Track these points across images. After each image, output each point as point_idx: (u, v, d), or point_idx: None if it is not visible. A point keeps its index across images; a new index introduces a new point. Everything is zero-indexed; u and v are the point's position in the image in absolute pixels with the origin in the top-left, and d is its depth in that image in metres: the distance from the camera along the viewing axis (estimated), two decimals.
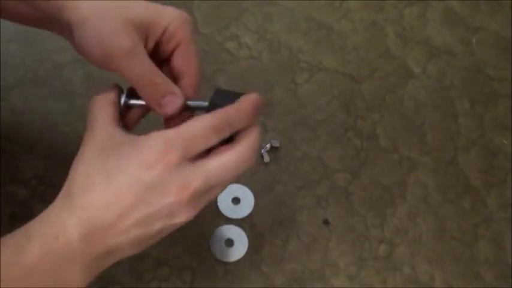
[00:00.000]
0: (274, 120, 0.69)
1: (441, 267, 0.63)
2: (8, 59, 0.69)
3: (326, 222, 0.64)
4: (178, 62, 0.49)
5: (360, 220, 0.65)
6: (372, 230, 0.64)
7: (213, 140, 0.43)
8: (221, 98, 0.46)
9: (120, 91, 0.49)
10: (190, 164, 0.42)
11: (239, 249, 0.62)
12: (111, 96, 0.48)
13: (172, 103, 0.47)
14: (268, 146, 0.67)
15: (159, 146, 0.42)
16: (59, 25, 0.48)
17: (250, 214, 0.64)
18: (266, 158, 0.66)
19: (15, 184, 0.62)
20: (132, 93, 0.49)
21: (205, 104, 0.47)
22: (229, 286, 0.60)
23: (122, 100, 0.48)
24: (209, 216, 0.63)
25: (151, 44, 0.48)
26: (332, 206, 0.65)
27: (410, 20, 0.78)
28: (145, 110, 0.50)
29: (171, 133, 0.42)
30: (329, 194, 0.66)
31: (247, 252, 0.62)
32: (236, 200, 0.64)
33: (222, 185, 0.44)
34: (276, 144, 0.67)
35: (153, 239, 0.45)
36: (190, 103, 0.48)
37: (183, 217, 0.43)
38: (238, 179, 0.65)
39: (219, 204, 0.63)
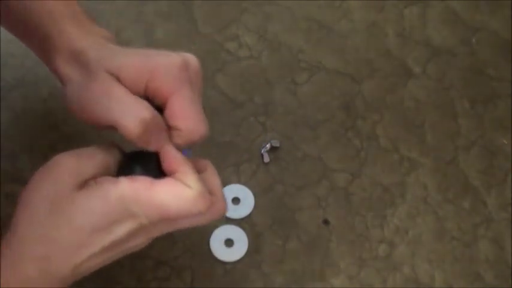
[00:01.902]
0: (274, 120, 0.69)
1: (441, 267, 0.63)
2: (8, 59, 0.69)
3: (326, 222, 0.64)
4: (171, 111, 0.45)
5: (360, 220, 0.65)
6: (372, 230, 0.64)
7: None
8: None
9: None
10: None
11: (239, 249, 0.62)
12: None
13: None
14: (268, 146, 0.67)
15: (114, 203, 0.42)
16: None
17: (250, 214, 0.64)
18: (266, 158, 0.66)
19: (15, 184, 0.62)
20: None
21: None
22: (229, 286, 0.60)
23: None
24: None
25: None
26: (332, 206, 0.65)
27: (410, 20, 0.78)
28: None
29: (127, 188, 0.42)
30: (329, 194, 0.66)
31: (247, 252, 0.62)
32: (236, 200, 0.64)
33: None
34: (276, 144, 0.67)
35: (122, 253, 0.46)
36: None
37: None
38: (238, 179, 0.65)
39: None
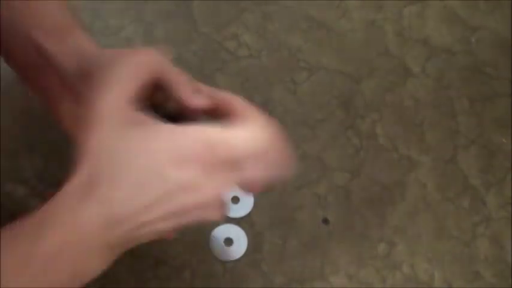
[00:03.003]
0: (273, 120, 0.69)
1: (440, 266, 0.63)
2: None
3: (325, 221, 0.64)
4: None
5: (360, 219, 0.65)
6: (371, 229, 0.64)
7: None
8: None
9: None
10: (227, 167, 0.40)
11: (238, 248, 0.62)
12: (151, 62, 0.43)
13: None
14: None
15: (201, 143, 0.39)
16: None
17: (250, 213, 0.64)
18: None
19: (15, 183, 0.62)
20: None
21: None
22: (228, 285, 0.60)
23: None
24: None
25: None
26: (331, 205, 0.65)
27: (409, 19, 0.78)
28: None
29: (216, 133, 0.40)
30: (328, 193, 0.66)
31: (246, 251, 0.62)
32: (235, 199, 0.64)
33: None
34: None
35: (178, 229, 0.43)
36: None
37: (214, 216, 0.42)
38: None
39: None
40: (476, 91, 0.74)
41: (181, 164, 0.39)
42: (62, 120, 0.49)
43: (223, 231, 0.62)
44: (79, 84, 0.46)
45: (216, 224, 0.63)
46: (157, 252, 0.61)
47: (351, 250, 0.63)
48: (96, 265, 0.41)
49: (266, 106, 0.70)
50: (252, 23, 0.76)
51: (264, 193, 0.65)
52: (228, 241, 0.62)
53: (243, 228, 0.63)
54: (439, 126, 0.71)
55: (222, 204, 0.42)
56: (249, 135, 0.42)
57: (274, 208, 0.64)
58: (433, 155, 0.69)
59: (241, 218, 0.63)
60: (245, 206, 0.64)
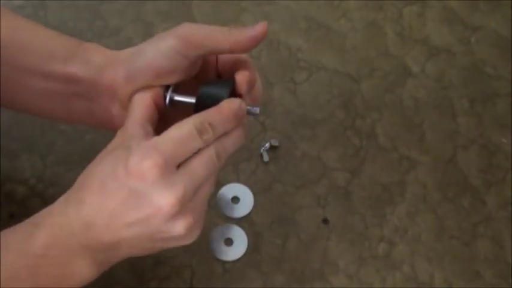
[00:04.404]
0: (273, 120, 0.69)
1: (441, 266, 0.63)
2: None
3: (325, 221, 0.64)
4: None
5: (360, 219, 0.65)
6: (372, 229, 0.64)
7: (199, 143, 0.43)
8: (207, 95, 0.46)
9: (166, 87, 0.48)
10: (175, 169, 0.42)
11: (238, 248, 0.62)
12: (150, 93, 0.47)
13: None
14: (267, 145, 0.67)
15: (145, 153, 0.41)
16: (92, 89, 0.48)
17: (250, 213, 0.64)
18: (265, 158, 0.66)
19: (15, 183, 0.62)
20: (178, 90, 0.48)
21: (192, 101, 0.46)
22: (228, 285, 0.60)
23: (167, 97, 0.47)
24: (208, 215, 0.63)
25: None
26: (331, 205, 0.65)
27: (409, 19, 0.78)
28: (190, 108, 0.48)
29: (157, 140, 0.42)
30: (328, 193, 0.66)
31: (246, 251, 0.62)
32: (235, 199, 0.64)
33: (210, 182, 0.44)
34: (276, 143, 0.67)
35: (156, 245, 0.45)
36: (177, 98, 0.47)
37: (180, 225, 0.42)
38: (238, 179, 0.65)
39: (218, 203, 0.64)
40: (476, 91, 0.74)
41: (131, 175, 0.41)
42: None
43: (223, 231, 0.62)
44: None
45: (216, 224, 0.63)
46: (157, 252, 0.60)
47: (351, 250, 0.63)
48: (81, 270, 0.43)
49: (266, 106, 0.70)
50: (251, 23, 0.76)
51: (264, 193, 0.65)
52: (228, 241, 0.62)
53: (243, 228, 0.63)
54: (439, 126, 0.71)
55: (183, 210, 0.42)
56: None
57: (274, 208, 0.64)
58: (433, 154, 0.69)
59: (241, 218, 0.63)
60: (245, 206, 0.64)
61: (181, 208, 0.42)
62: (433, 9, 0.79)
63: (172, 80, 0.47)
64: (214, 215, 0.63)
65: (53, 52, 0.49)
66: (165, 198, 0.41)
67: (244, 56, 0.49)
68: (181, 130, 0.42)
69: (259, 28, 0.48)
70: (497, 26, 0.79)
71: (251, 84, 0.47)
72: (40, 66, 0.48)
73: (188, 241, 0.44)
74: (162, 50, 0.46)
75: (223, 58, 0.49)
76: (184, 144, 0.42)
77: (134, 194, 0.41)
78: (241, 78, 0.47)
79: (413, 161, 0.69)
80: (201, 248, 0.61)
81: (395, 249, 0.63)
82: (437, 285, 0.62)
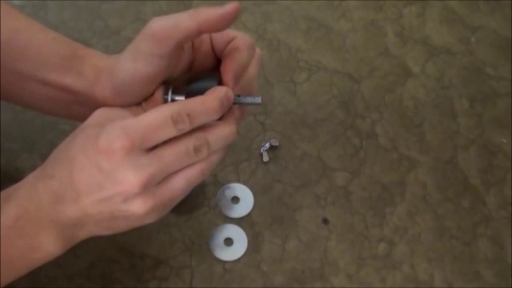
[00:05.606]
0: (273, 120, 0.69)
1: (441, 266, 0.63)
2: None
3: (325, 221, 0.64)
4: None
5: (359, 219, 0.65)
6: (371, 228, 0.64)
7: (172, 132, 0.42)
8: (196, 91, 0.46)
9: (166, 88, 0.48)
10: (144, 152, 0.42)
11: (238, 248, 0.62)
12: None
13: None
14: (267, 145, 0.67)
15: (115, 133, 0.41)
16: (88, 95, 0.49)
17: (250, 213, 0.64)
18: (265, 157, 0.66)
19: (15, 183, 0.62)
20: (178, 91, 0.48)
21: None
22: (228, 285, 0.60)
23: (168, 99, 0.47)
24: (208, 216, 0.63)
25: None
26: (331, 205, 0.65)
27: (409, 19, 0.78)
28: None
29: (129, 122, 0.42)
30: (328, 193, 0.66)
31: (246, 251, 0.62)
32: (235, 199, 0.64)
33: (185, 174, 0.44)
34: (275, 143, 0.67)
35: (118, 224, 0.45)
36: (178, 98, 0.47)
37: (138, 206, 0.43)
38: (237, 179, 0.65)
39: (218, 203, 0.64)
40: (476, 91, 0.74)
41: (100, 154, 0.42)
42: None
43: (223, 231, 0.62)
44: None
45: (215, 224, 0.63)
46: (157, 253, 0.61)
47: (351, 250, 0.63)
48: (47, 244, 0.44)
49: (266, 106, 0.70)
50: (251, 23, 0.76)
51: (264, 193, 0.65)
52: (228, 241, 0.62)
53: (243, 228, 0.63)
54: (439, 126, 0.71)
55: (146, 193, 0.43)
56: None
57: (274, 208, 0.64)
58: (433, 154, 0.69)
59: (241, 218, 0.63)
60: (245, 206, 0.64)
61: (143, 190, 0.42)
62: (433, 9, 0.79)
63: (160, 81, 0.47)
64: (214, 215, 0.63)
65: (47, 61, 0.49)
66: (127, 178, 0.41)
67: (234, 33, 0.48)
68: (156, 116, 0.42)
69: (228, 7, 0.46)
70: (497, 26, 0.79)
71: (238, 71, 0.47)
72: (36, 73, 0.49)
73: (147, 221, 0.44)
74: (138, 59, 0.45)
75: (218, 43, 0.48)
76: (155, 130, 0.42)
77: (101, 171, 0.42)
78: (225, 67, 0.46)
79: (413, 161, 0.69)
80: (201, 248, 0.61)
81: (395, 249, 0.63)
82: (437, 285, 0.62)
